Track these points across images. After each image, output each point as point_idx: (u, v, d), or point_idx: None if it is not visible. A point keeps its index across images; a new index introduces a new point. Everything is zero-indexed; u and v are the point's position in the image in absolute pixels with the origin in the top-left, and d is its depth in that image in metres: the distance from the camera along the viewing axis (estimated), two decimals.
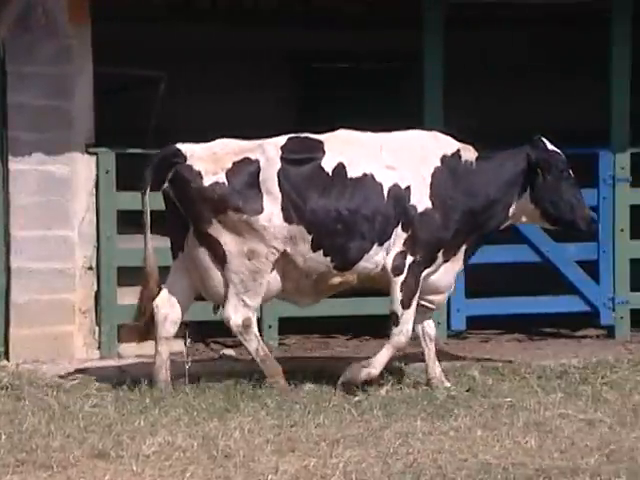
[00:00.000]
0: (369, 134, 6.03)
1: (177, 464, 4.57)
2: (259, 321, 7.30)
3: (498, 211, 5.98)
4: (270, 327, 7.32)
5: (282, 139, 5.90)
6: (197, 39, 8.87)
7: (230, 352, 7.09)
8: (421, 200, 5.85)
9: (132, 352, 7.10)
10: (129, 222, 6.97)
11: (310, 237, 5.79)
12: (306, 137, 5.94)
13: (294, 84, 9.54)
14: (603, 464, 4.49)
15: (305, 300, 6.03)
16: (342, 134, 6.00)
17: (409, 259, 5.84)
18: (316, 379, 6.15)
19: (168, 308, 5.90)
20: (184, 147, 5.88)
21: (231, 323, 5.84)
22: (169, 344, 5.93)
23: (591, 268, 7.58)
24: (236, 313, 5.81)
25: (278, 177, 5.78)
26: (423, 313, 6.06)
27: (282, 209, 5.77)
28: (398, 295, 5.85)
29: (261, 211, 5.75)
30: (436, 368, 6.04)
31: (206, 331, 7.30)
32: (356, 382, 5.83)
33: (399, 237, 5.85)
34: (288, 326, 7.38)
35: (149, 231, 5.89)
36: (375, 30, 8.94)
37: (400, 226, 5.85)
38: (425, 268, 5.88)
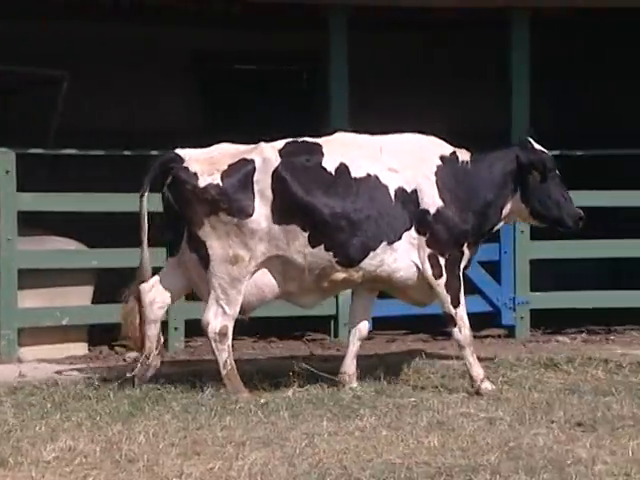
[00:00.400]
0: (367, 136, 6.12)
1: (79, 470, 4.51)
2: (165, 323, 7.29)
3: (493, 213, 6.13)
4: (176, 329, 7.28)
5: (280, 142, 5.97)
6: (100, 38, 8.76)
7: (134, 355, 7.02)
8: (432, 201, 5.96)
9: (33, 356, 6.97)
10: (29, 223, 6.84)
11: (306, 234, 5.81)
12: (304, 140, 6.01)
13: (198, 84, 9.48)
14: (503, 461, 4.57)
15: (310, 298, 6.03)
16: (340, 137, 6.10)
17: (442, 260, 5.94)
18: (223, 381, 6.13)
19: (155, 292, 5.92)
20: (182, 152, 5.92)
21: (209, 329, 5.85)
22: (157, 327, 5.94)
23: (492, 269, 7.74)
24: (215, 319, 5.84)
25: (272, 178, 5.81)
26: (364, 312, 6.18)
27: (272, 210, 5.79)
28: (446, 296, 5.96)
29: (252, 213, 5.80)
30: (352, 366, 6.12)
31: (110, 335, 7.22)
32: (484, 392, 5.87)
33: (420, 240, 5.94)
34: (195, 328, 7.34)
35: (146, 236, 5.90)
36: (280, 31, 8.97)
37: (414, 229, 5.94)
38: (460, 264, 6.00)
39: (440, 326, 7.79)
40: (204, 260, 5.81)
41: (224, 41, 9.11)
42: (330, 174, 5.87)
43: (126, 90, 9.02)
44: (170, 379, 6.14)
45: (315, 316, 7.44)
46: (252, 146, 5.94)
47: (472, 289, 7.65)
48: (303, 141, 5.98)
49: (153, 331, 5.91)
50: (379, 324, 7.59)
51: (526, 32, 7.62)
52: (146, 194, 5.86)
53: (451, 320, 6.02)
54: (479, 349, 7.24)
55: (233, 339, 7.53)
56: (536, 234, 7.71)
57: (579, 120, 9.56)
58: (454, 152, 6.11)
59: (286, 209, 5.78)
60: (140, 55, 9.00)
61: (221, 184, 5.79)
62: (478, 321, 7.77)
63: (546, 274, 7.83)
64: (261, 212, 5.79)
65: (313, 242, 5.83)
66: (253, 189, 5.81)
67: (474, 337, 7.42)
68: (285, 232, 5.80)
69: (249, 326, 7.38)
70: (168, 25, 8.84)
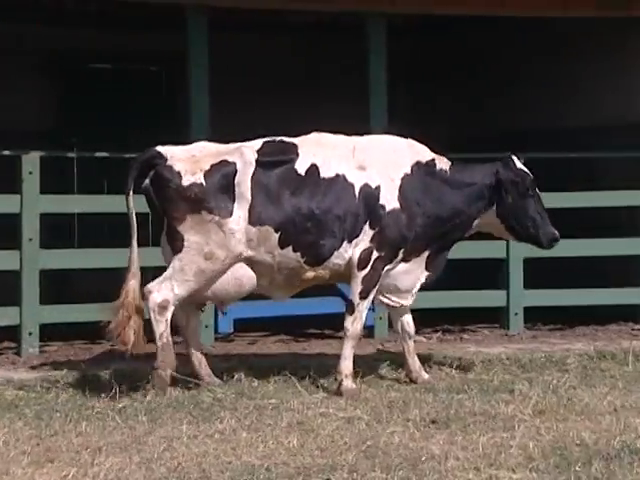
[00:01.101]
0: (342, 137, 6.21)
1: None
2: (18, 328, 7.08)
3: (462, 222, 6.26)
4: (30, 334, 7.09)
5: (258, 142, 6.07)
6: None
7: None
8: (390, 200, 6.08)
9: None
10: None
11: (277, 235, 5.96)
12: (281, 140, 6.10)
13: (53, 84, 9.25)
14: (360, 460, 4.65)
15: (279, 293, 6.20)
16: (315, 137, 6.17)
17: (374, 254, 6.06)
18: (80, 386, 6.02)
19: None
20: (164, 149, 5.97)
21: (150, 297, 5.87)
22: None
23: None
24: (159, 292, 5.87)
25: (251, 180, 5.95)
26: (396, 311, 6.33)
27: (249, 211, 5.92)
28: (359, 287, 6.07)
29: (231, 214, 5.90)
30: (416, 363, 6.28)
31: None
32: (345, 389, 5.95)
33: (367, 234, 6.06)
34: (49, 332, 7.17)
35: (135, 233, 5.90)
36: (139, 31, 8.86)
37: (368, 223, 6.07)
38: (386, 265, 6.12)
39: (301, 327, 7.90)
40: (176, 249, 5.88)
41: (80, 40, 8.93)
42: (301, 175, 6.03)
43: None
44: (23, 385, 5.98)
45: None
46: (232, 146, 6.07)
47: (332, 291, 7.74)
48: (280, 141, 6.12)
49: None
50: (240, 326, 7.59)
51: (382, 36, 7.76)
52: (131, 192, 5.87)
53: (351, 309, 6.13)
54: (338, 349, 7.35)
55: (90, 343, 7.45)
56: None
57: (447, 122, 9.81)
58: (433, 159, 6.27)
59: (261, 210, 5.93)
60: None
61: (204, 183, 5.89)
62: (338, 322, 7.89)
63: None
64: (239, 213, 5.91)
65: (282, 243, 5.97)
66: (234, 190, 5.91)
67: (333, 337, 7.53)
68: (258, 233, 5.94)
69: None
70: (23, 23, 8.60)
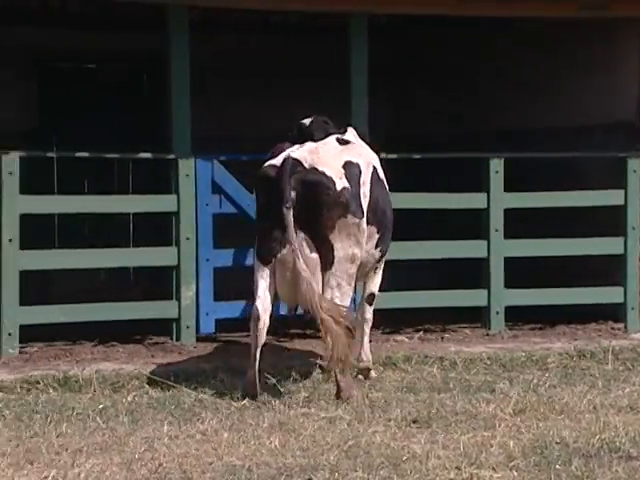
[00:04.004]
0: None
1: None
2: None
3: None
4: (10, 335, 7.04)
5: (365, 145, 6.33)
6: None
7: None
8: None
9: None
10: None
11: (378, 236, 6.20)
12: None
13: (34, 84, 9.20)
14: (341, 459, 4.66)
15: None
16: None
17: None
18: (60, 387, 5.99)
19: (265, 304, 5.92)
20: (298, 155, 5.91)
21: None
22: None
23: None
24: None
25: (371, 179, 6.13)
26: None
27: (368, 211, 6.08)
28: (380, 278, 6.47)
29: (363, 214, 6.03)
30: None
31: None
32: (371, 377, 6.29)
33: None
34: (29, 333, 7.13)
35: (296, 244, 5.75)
36: (120, 30, 8.83)
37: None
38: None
39: (283, 327, 7.89)
40: (326, 261, 5.82)
41: (61, 39, 8.88)
42: (381, 176, 6.33)
43: None
44: (3, 386, 5.95)
45: (157, 319, 7.37)
46: (348, 147, 6.13)
47: None
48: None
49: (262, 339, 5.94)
50: (222, 326, 7.58)
51: (364, 35, 7.76)
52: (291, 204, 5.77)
53: (371, 299, 6.44)
54: (321, 350, 7.35)
55: (72, 343, 7.42)
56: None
57: (421, 120, 9.83)
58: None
59: (373, 210, 6.10)
60: None
61: (349, 187, 5.94)
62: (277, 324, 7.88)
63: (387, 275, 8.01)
64: (365, 212, 6.05)
65: (377, 242, 6.20)
66: (361, 190, 6.04)
67: (315, 337, 7.54)
68: (368, 232, 6.08)
69: (90, 330, 7.26)
70: (4, 23, 8.54)
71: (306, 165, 5.90)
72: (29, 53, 9.01)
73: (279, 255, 5.84)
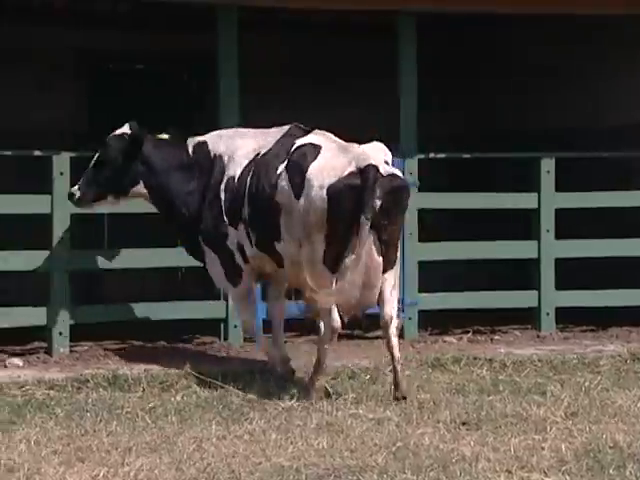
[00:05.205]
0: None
1: None
2: (49, 328, 7.10)
3: None
4: (61, 334, 7.12)
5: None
6: None
7: (16, 361, 6.84)
8: None
9: None
10: None
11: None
12: None
13: (86, 85, 9.29)
14: (390, 461, 4.63)
15: None
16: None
17: None
18: (110, 386, 6.03)
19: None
20: (375, 160, 5.81)
21: (392, 323, 5.93)
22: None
23: None
24: (395, 316, 5.96)
25: None
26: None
27: None
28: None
29: None
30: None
31: None
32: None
33: None
34: (80, 332, 7.20)
35: (369, 243, 5.71)
36: (169, 30, 8.88)
37: None
38: None
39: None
40: (390, 261, 5.86)
41: (109, 40, 8.96)
42: None
43: (8, 90, 8.77)
44: (54, 384, 6.00)
45: (204, 319, 7.40)
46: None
47: None
48: None
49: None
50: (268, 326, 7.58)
51: (413, 35, 7.72)
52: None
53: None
54: (368, 350, 7.33)
55: (121, 343, 7.48)
56: (424, 236, 7.83)
57: (466, 120, 9.76)
58: None
59: None
60: (25, 55, 8.77)
61: None
62: (368, 322, 7.86)
63: (434, 275, 7.95)
64: None
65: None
66: None
67: (362, 338, 7.51)
68: None
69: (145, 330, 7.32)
70: (55, 24, 8.64)
71: (382, 172, 5.81)
72: (80, 54, 9.10)
73: (347, 261, 5.80)
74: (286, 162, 6.05)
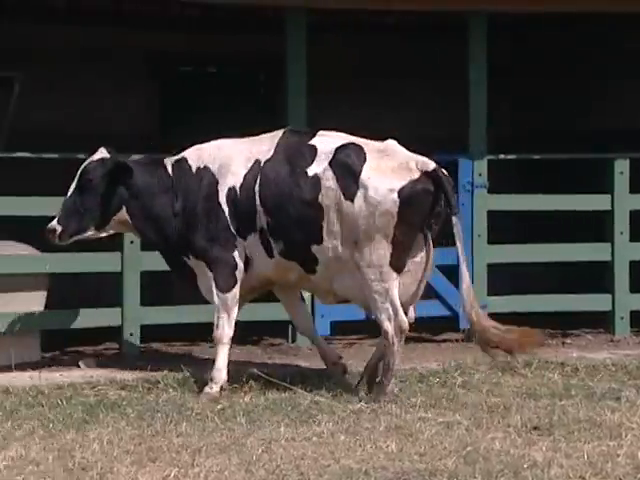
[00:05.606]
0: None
1: (30, 478, 4.44)
2: (120, 328, 7.19)
3: None
4: (132, 334, 7.20)
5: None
6: (53, 38, 8.66)
7: (89, 362, 6.93)
8: None
9: None
10: None
11: None
12: None
13: (157, 87, 9.40)
14: (460, 465, 4.57)
15: None
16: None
17: None
18: (180, 387, 6.08)
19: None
20: (430, 161, 5.86)
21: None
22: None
23: (450, 273, 7.74)
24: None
25: None
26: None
27: None
28: None
29: None
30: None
31: (62, 340, 7.13)
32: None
33: None
34: (150, 333, 7.28)
35: (462, 251, 5.87)
36: (238, 33, 8.93)
37: None
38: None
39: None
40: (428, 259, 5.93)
41: (180, 43, 9.05)
42: None
43: (81, 92, 8.91)
44: (125, 385, 6.07)
45: (273, 321, 7.42)
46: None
47: (431, 294, 7.65)
48: None
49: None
50: (338, 328, 7.57)
51: (483, 35, 7.65)
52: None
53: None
54: (437, 353, 7.28)
55: (189, 344, 7.54)
56: (493, 238, 7.75)
57: (536, 120, 9.64)
58: None
59: None
60: (97, 57, 8.91)
61: None
62: (437, 325, 7.80)
63: (504, 277, 7.85)
64: None
65: None
66: None
67: (430, 340, 7.45)
68: None
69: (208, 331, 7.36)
70: (126, 27, 8.76)
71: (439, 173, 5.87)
72: (151, 57, 9.21)
73: (415, 260, 5.83)
74: (326, 163, 5.87)
